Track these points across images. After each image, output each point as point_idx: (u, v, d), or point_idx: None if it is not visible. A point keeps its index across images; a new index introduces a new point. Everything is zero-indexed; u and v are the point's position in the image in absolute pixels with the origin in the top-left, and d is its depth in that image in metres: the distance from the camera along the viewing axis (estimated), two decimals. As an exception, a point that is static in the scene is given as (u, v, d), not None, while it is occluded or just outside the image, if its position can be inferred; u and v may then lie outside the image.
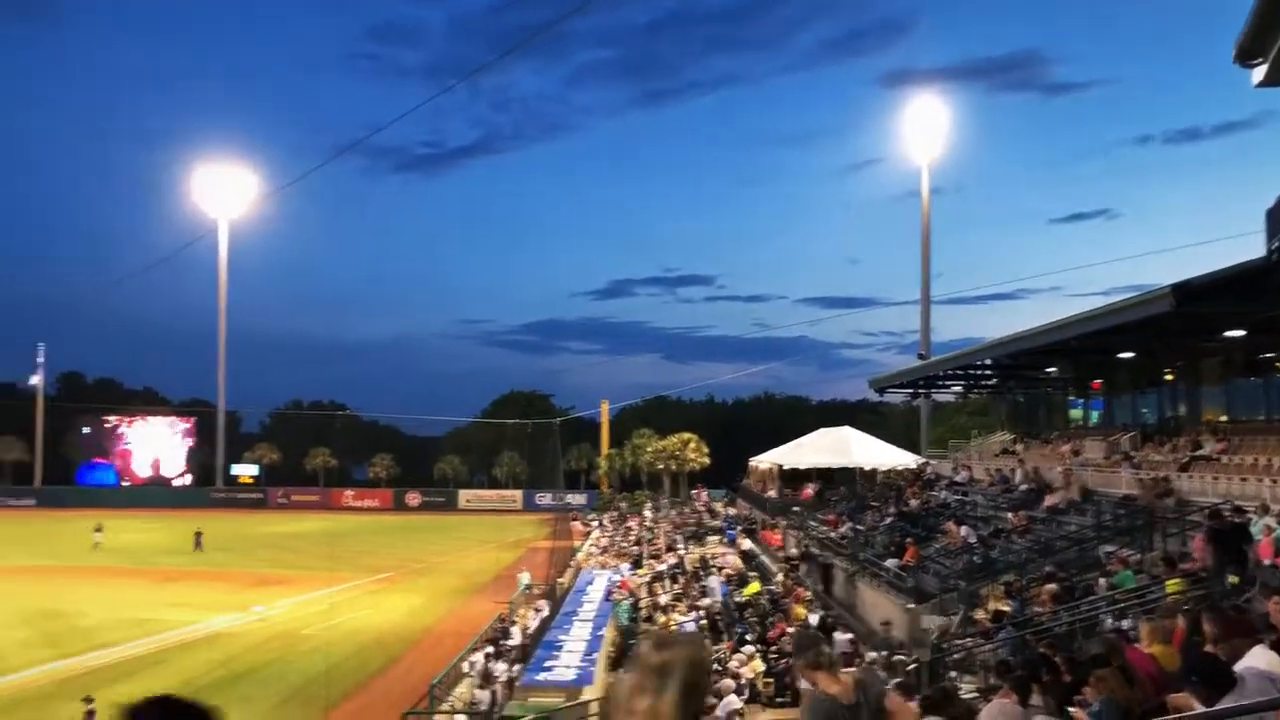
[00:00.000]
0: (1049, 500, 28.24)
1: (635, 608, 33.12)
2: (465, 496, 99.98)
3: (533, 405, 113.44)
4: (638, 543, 53.36)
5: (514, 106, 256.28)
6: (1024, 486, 31.12)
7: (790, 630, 23.93)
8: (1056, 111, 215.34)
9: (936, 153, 73.77)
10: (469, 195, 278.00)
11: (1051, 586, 19.49)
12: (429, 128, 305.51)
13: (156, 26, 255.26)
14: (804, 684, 5.28)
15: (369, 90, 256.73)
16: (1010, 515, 27.89)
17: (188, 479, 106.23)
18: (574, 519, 77.73)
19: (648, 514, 68.75)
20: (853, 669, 5.65)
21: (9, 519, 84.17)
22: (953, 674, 18.00)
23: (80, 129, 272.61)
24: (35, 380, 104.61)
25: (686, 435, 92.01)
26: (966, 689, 14.92)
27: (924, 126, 72.26)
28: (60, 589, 44.09)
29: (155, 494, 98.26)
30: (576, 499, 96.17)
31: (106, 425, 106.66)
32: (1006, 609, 20.10)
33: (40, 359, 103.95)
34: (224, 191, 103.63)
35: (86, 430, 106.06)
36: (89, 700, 20.89)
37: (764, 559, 39.99)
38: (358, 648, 32.95)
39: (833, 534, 36.93)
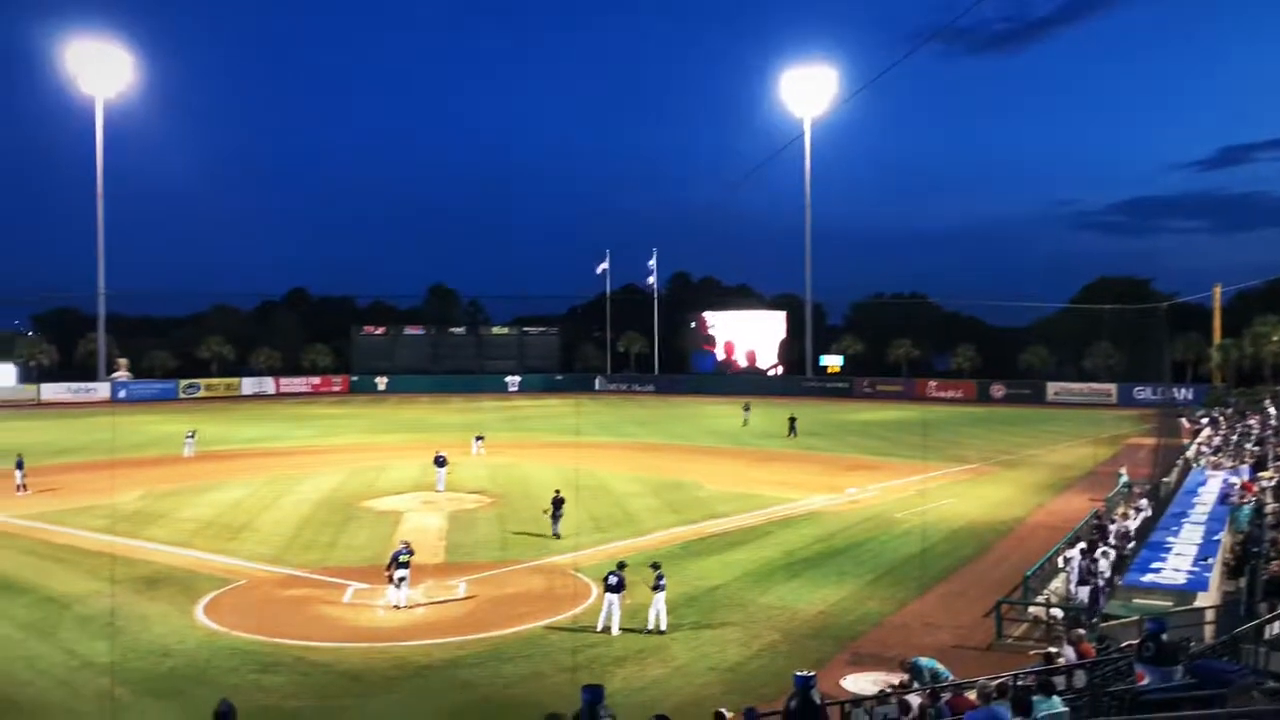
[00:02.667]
0: None
1: (1259, 513, 29.55)
2: (1053, 389, 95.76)
3: (1128, 291, 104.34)
4: (1260, 443, 47.44)
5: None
6: None
7: None
8: None
9: None
10: (1050, 68, 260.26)
11: None
12: (1006, 1, 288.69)
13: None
14: None
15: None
16: None
17: (780, 369, 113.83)
18: (1180, 415, 71.09)
19: (1272, 411, 60.70)
20: None
21: (635, 403, 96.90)
22: None
23: (677, 61, 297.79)
24: (651, 281, 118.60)
25: (1326, 322, 79.14)
26: None
27: None
28: (679, 464, 49.98)
29: (752, 382, 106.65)
30: (1182, 394, 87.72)
31: (709, 319, 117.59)
32: None
33: (654, 262, 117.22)
34: (807, 92, 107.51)
35: (693, 324, 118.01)
36: (656, 566, 23.13)
37: None
38: (949, 534, 33.32)
39: None
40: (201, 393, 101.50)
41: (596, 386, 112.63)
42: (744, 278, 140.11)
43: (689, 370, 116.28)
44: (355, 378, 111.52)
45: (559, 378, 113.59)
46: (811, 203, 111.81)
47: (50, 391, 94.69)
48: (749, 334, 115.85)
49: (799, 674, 8.94)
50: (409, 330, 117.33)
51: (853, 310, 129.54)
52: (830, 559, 29.69)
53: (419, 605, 24.44)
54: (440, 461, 41.05)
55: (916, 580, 26.86)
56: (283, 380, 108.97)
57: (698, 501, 39.30)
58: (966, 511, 37.50)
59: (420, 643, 21.58)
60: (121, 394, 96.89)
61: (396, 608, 23.96)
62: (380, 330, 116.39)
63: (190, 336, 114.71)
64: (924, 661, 16.88)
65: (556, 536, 31.73)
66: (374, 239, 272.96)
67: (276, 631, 22.21)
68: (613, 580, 22.31)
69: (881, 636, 22.33)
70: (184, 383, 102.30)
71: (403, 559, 24.23)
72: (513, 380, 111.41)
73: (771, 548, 31.12)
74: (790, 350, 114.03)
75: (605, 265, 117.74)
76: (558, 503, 32.52)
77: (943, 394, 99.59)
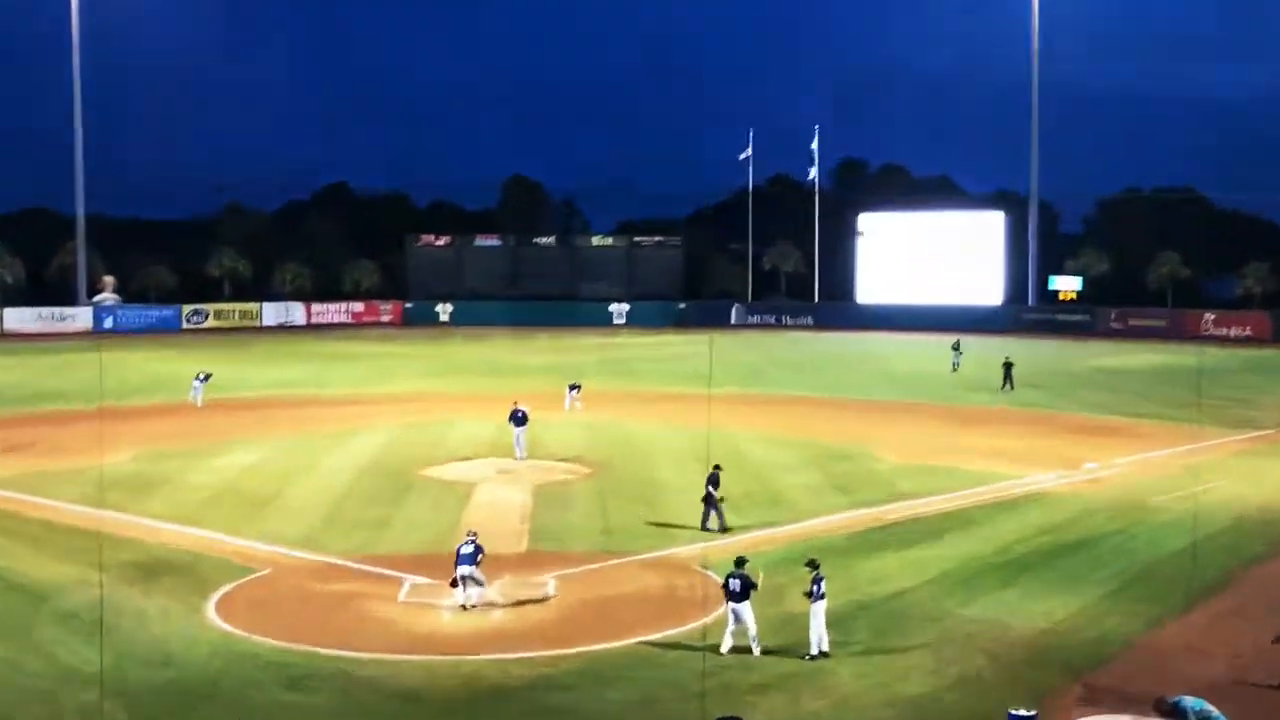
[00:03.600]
0: None
1: None
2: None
3: None
4: None
5: None
6: None
7: None
8: None
9: None
10: None
11: None
12: None
13: None
14: None
15: None
16: None
17: (993, 295, 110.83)
18: None
19: None
20: None
21: (788, 340, 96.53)
22: None
23: None
24: (811, 172, 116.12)
25: None
26: None
27: None
28: (849, 426, 49.75)
29: (950, 315, 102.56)
30: None
31: (890, 223, 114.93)
32: None
33: (815, 145, 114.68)
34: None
35: (861, 233, 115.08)
36: (813, 565, 22.74)
37: None
38: (1227, 527, 32.49)
39: None
40: (210, 321, 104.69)
41: (734, 319, 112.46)
42: (943, 167, 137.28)
43: (862, 296, 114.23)
44: (410, 304, 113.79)
45: (682, 306, 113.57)
46: (1040, 63, 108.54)
47: (15, 318, 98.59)
48: (949, 246, 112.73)
49: (1014, 712, 8.89)
50: (481, 241, 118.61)
51: (1097, 211, 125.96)
52: (1058, 559, 29.25)
53: (495, 606, 24.89)
54: (520, 418, 41.55)
55: (1180, 590, 26.18)
56: (316, 307, 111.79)
57: (874, 477, 39.11)
58: (1254, 496, 36.43)
59: (497, 656, 21.91)
60: (108, 322, 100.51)
61: (464, 608, 24.43)
62: (443, 240, 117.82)
63: (195, 248, 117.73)
64: (1189, 702, 16.62)
65: (722, 529, 31.08)
66: (435, 119, 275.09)
67: (310, 637, 22.62)
68: (734, 585, 22.18)
69: (1128, 666, 21.98)
70: (188, 309, 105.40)
71: (464, 551, 24.50)
72: (619, 310, 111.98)
73: (976, 542, 30.71)
74: (1009, 269, 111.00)
75: (748, 151, 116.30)
76: (714, 481, 31.55)
77: (1223, 331, 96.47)
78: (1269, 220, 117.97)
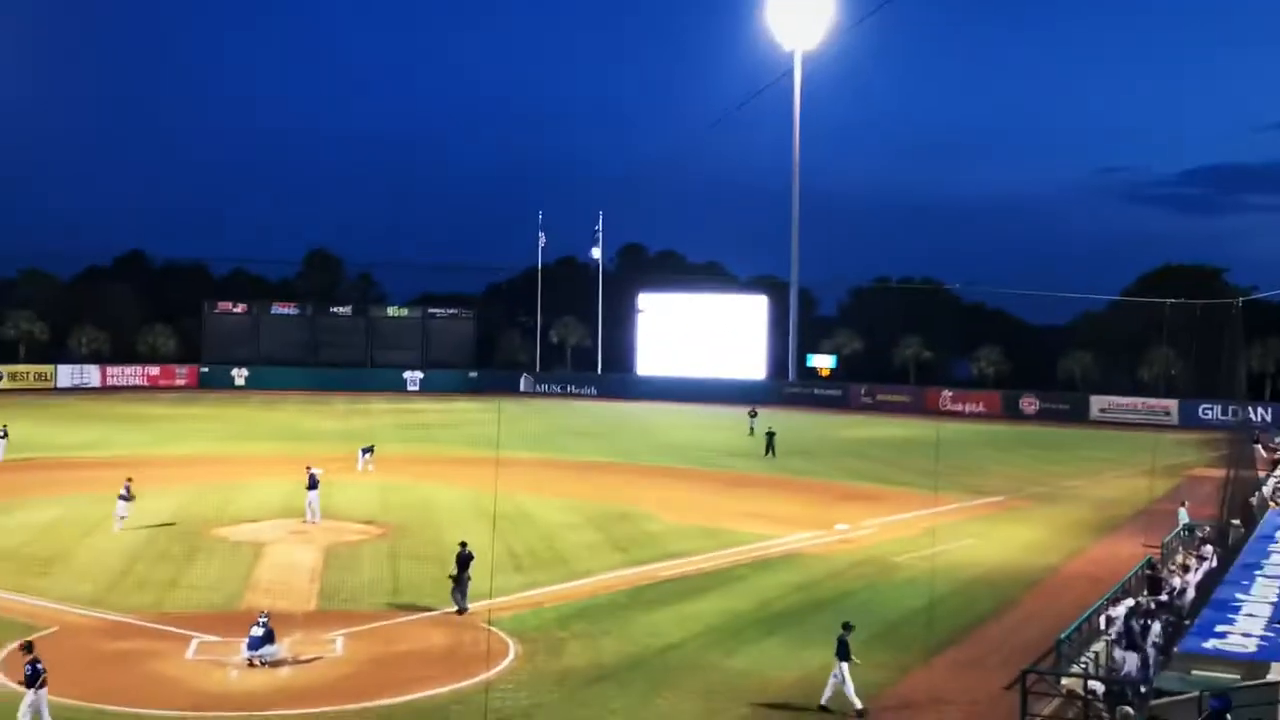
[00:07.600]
0: None
1: (1350, 566, 30.11)
2: (1099, 404, 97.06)
3: (1198, 284, 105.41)
4: (1354, 477, 48.44)
5: None
6: None
7: None
8: None
9: None
10: (1107, 8, 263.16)
11: None
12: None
13: None
14: None
15: None
16: None
17: (757, 370, 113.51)
18: (1256, 440, 72.36)
19: (1369, 438, 62.05)
20: None
21: (572, 409, 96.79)
22: None
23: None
24: (595, 253, 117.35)
25: None
26: None
27: None
28: (626, 489, 50.27)
29: (720, 387, 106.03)
30: (1260, 414, 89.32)
31: (665, 304, 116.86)
32: None
33: (599, 229, 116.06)
34: (797, 19, 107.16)
35: (642, 310, 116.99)
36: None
37: None
38: (963, 584, 33.80)
39: None
40: (3, 383, 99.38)
41: (522, 387, 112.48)
42: (714, 253, 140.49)
43: (641, 368, 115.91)
44: (206, 369, 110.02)
45: (474, 375, 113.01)
46: (801, 161, 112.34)
47: None
48: (718, 324, 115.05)
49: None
50: (278, 309, 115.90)
51: (850, 298, 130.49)
52: (814, 613, 29.92)
53: (283, 663, 24.47)
54: (313, 482, 40.52)
55: (920, 643, 27.04)
56: (111, 370, 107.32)
57: (649, 537, 39.81)
58: (986, 556, 38.12)
59: (285, 712, 21.48)
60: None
61: (252, 665, 23.99)
62: (240, 308, 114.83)
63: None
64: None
65: (461, 611, 28.62)
66: (235, 190, 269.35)
67: (96, 695, 21.93)
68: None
69: (877, 713, 22.54)
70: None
71: (254, 634, 24.23)
72: (413, 377, 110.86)
73: (741, 597, 31.43)
74: (771, 347, 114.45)
75: (541, 233, 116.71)
76: (464, 561, 28.83)
77: (960, 407, 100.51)
78: (999, 310, 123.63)
